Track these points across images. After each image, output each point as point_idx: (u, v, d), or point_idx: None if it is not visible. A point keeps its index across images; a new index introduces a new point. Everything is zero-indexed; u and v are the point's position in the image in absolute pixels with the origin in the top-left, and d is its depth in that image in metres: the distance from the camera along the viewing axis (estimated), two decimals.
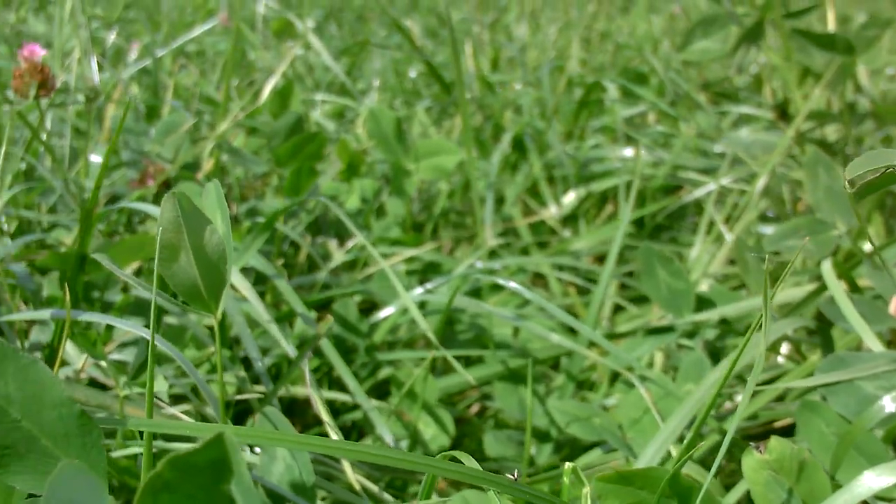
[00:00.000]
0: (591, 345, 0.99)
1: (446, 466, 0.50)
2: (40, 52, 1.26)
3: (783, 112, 1.37)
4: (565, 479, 0.56)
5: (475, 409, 1.06)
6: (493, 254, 1.33)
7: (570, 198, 1.47)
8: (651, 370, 0.87)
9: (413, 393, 0.93)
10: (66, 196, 1.17)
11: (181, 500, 0.33)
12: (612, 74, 1.85)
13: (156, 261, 0.57)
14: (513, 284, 0.95)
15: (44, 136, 1.18)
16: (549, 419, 0.92)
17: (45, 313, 0.74)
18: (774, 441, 0.56)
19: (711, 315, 0.92)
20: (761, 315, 0.52)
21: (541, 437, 0.92)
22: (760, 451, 0.57)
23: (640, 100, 1.75)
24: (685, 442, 0.59)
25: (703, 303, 0.95)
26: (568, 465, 0.56)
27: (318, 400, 0.79)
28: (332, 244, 1.36)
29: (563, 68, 1.74)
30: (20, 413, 0.39)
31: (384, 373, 1.03)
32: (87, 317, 0.72)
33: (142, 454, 0.60)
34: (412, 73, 2.29)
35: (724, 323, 0.98)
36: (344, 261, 1.27)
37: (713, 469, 0.51)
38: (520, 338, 1.09)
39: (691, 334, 0.97)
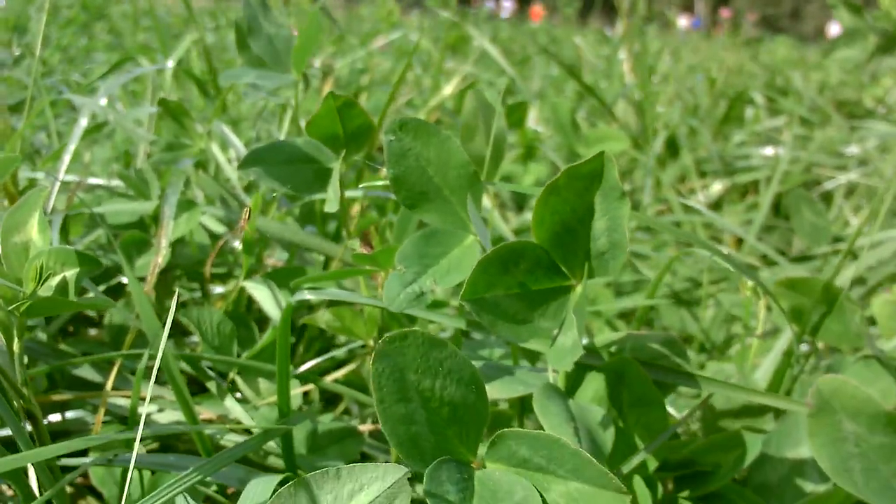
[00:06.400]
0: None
1: None
2: None
3: None
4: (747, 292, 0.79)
5: None
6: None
7: (717, 188, 1.70)
8: None
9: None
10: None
11: (561, 202, 0.58)
12: (756, 86, 2.09)
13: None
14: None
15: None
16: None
17: None
18: None
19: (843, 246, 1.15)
20: None
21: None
22: (888, 293, 0.80)
23: (779, 114, 1.97)
24: (836, 265, 0.81)
25: (837, 240, 1.17)
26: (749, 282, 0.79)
27: None
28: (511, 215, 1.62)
29: (712, 79, 1.98)
30: (434, 171, 0.65)
31: None
32: None
33: None
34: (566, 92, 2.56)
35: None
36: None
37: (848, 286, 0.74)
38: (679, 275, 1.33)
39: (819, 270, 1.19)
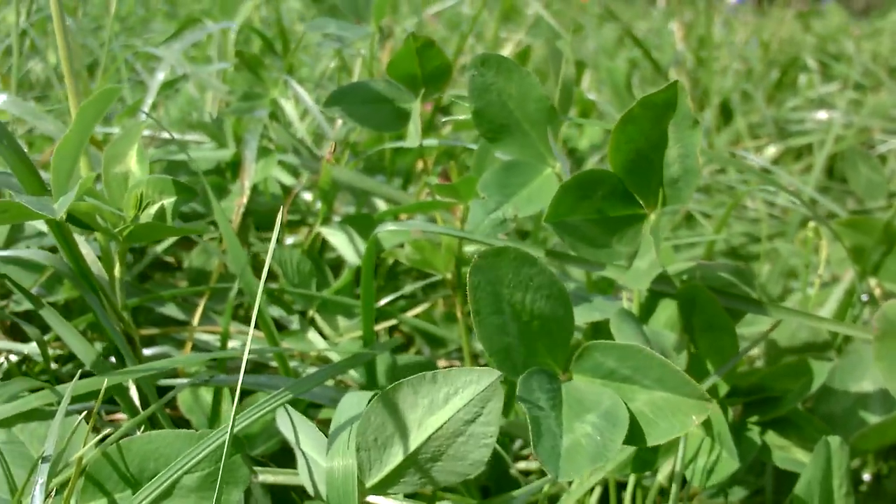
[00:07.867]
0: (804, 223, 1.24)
1: None
2: None
3: None
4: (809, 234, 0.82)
5: None
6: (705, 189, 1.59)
7: (772, 151, 1.72)
8: None
9: None
10: None
11: (636, 131, 0.60)
12: (810, 51, 2.09)
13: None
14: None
15: None
16: None
17: None
18: None
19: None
20: None
21: None
22: None
23: (833, 79, 1.98)
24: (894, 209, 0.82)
25: (892, 196, 1.18)
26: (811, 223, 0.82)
27: None
28: None
29: (765, 44, 1.99)
30: (514, 105, 0.68)
31: None
32: None
33: None
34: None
35: None
36: None
37: None
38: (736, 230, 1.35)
39: None
